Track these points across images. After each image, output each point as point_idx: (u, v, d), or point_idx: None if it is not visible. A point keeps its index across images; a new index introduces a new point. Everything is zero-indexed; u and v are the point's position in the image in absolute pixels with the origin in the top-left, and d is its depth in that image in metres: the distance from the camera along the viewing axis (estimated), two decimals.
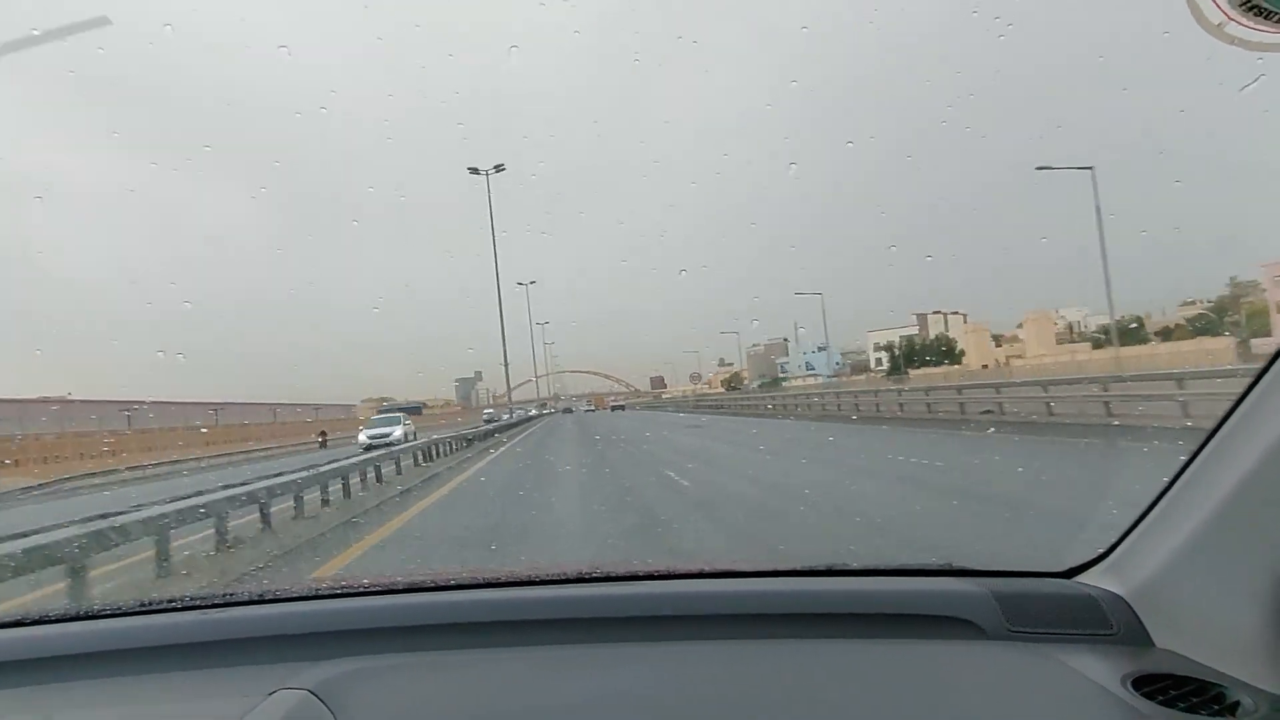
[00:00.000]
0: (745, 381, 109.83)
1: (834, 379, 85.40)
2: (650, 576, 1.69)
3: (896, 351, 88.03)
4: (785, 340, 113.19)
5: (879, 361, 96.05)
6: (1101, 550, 1.47)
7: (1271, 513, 1.09)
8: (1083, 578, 1.47)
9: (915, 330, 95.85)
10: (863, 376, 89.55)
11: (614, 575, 1.72)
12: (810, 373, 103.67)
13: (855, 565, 1.67)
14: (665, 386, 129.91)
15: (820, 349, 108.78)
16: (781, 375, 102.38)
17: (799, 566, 1.67)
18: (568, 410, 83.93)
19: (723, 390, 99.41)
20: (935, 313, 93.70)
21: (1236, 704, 1.07)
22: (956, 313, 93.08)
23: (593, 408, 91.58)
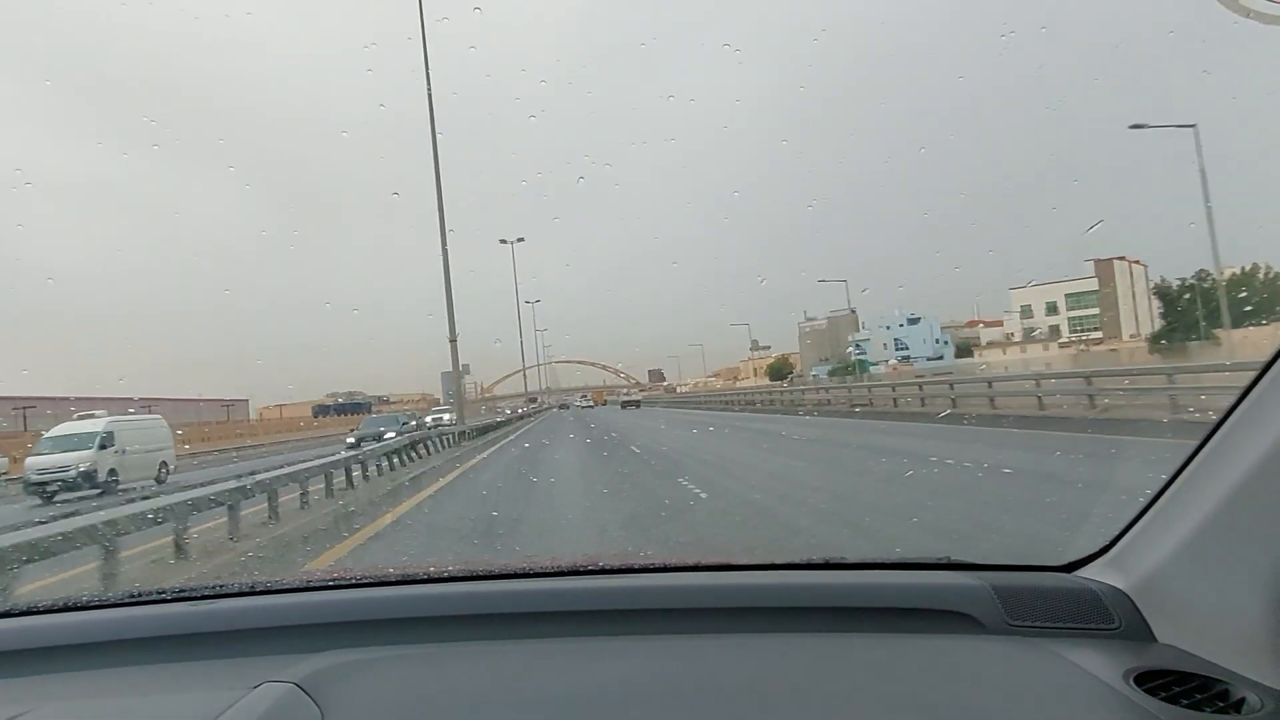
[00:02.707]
0: (796, 369, 61.12)
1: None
2: (647, 569, 1.67)
3: (1214, 290, 43.37)
4: (853, 311, 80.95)
5: (1031, 330, 58.73)
6: (1103, 544, 1.42)
7: (1276, 507, 1.06)
8: (1083, 572, 1.43)
9: (1093, 283, 63.56)
10: (1064, 350, 65.20)
11: (610, 568, 1.69)
12: (902, 354, 57.72)
13: (853, 559, 1.64)
14: (664, 380, 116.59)
15: (911, 320, 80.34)
16: (860, 357, 61.34)
17: (796, 560, 1.65)
18: (564, 406, 75.92)
19: (766, 381, 65.27)
20: (1120, 258, 68.57)
21: (1241, 700, 1.03)
22: (1138, 262, 69.70)
23: (590, 403, 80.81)
